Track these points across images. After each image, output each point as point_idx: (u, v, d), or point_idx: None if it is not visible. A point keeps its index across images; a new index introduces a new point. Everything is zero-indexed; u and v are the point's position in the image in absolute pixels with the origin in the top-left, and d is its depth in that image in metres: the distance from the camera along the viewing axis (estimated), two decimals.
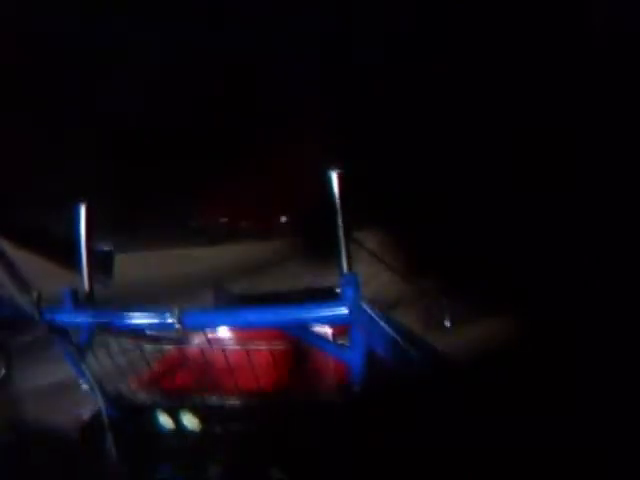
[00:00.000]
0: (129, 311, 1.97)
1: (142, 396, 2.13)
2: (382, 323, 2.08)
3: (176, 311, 1.89)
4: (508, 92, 2.22)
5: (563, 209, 2.28)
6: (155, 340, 2.18)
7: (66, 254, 2.18)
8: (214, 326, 2.13)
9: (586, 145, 2.26)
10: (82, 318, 2.04)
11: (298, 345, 1.98)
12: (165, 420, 2.06)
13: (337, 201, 1.95)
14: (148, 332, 2.15)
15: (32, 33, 2.16)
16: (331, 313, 1.89)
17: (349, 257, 1.93)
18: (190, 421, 2.03)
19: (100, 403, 2.00)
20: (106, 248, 2.32)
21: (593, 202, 2.25)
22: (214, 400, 2.05)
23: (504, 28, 2.09)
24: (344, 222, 1.94)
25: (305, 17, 2.21)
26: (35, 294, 1.86)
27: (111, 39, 2.23)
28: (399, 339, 2.10)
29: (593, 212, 2.23)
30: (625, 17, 2.02)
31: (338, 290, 1.92)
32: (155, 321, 1.97)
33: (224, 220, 2.62)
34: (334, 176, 1.96)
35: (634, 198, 2.18)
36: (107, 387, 2.06)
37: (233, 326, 2.06)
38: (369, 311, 2.04)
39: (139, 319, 1.98)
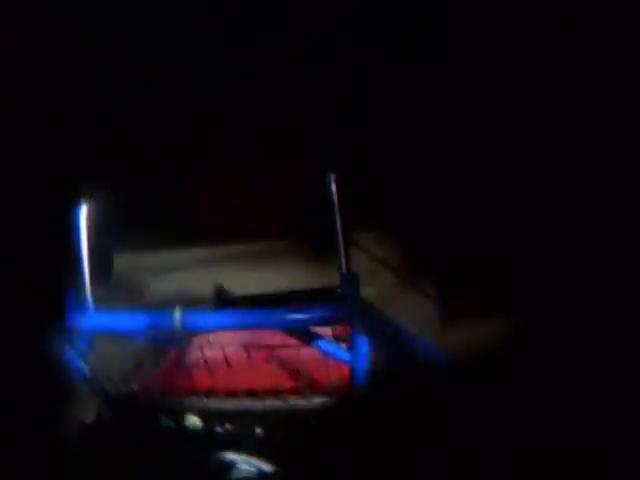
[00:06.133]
0: (130, 312, 1.98)
1: (143, 397, 2.13)
2: (382, 323, 2.08)
3: (177, 312, 1.89)
4: (508, 94, 2.22)
5: (563, 208, 2.28)
6: (156, 341, 2.18)
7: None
8: (215, 327, 2.13)
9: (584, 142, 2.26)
10: (83, 319, 2.04)
11: (298, 346, 1.98)
12: (166, 420, 2.06)
13: (336, 201, 1.95)
14: (149, 333, 2.15)
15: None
16: (331, 314, 1.89)
17: (348, 257, 1.93)
18: (191, 421, 2.03)
19: (101, 403, 2.00)
20: (105, 248, 2.31)
21: (593, 202, 2.25)
22: (215, 400, 2.05)
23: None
24: (343, 222, 1.94)
25: (305, 17, 2.21)
26: None
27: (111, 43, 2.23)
28: (399, 339, 2.10)
29: (593, 212, 2.23)
30: None
31: (338, 290, 1.93)
32: (156, 323, 1.98)
33: (224, 220, 2.62)
34: (333, 176, 1.96)
35: (634, 199, 2.18)
36: (108, 387, 2.06)
37: (233, 327, 2.06)
38: (369, 311, 2.04)
39: (140, 320, 1.98)
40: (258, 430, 1.96)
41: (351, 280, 1.89)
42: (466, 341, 2.26)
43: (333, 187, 1.94)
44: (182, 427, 2.03)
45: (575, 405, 1.95)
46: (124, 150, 2.39)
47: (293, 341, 2.00)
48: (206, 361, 2.08)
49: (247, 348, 2.02)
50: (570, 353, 2.08)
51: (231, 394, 2.04)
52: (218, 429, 2.02)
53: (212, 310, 2.34)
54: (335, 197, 1.94)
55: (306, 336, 1.96)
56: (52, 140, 2.38)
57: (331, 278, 2.00)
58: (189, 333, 2.21)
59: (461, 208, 2.39)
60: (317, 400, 1.96)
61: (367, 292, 2.01)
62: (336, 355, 2.01)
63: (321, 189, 1.95)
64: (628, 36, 2.15)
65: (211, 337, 2.18)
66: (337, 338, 2.12)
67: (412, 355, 2.09)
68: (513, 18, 2.19)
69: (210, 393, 2.06)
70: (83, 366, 2.02)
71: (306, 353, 1.99)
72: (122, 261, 2.55)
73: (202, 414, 2.03)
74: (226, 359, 2.04)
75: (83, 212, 2.13)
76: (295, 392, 2.00)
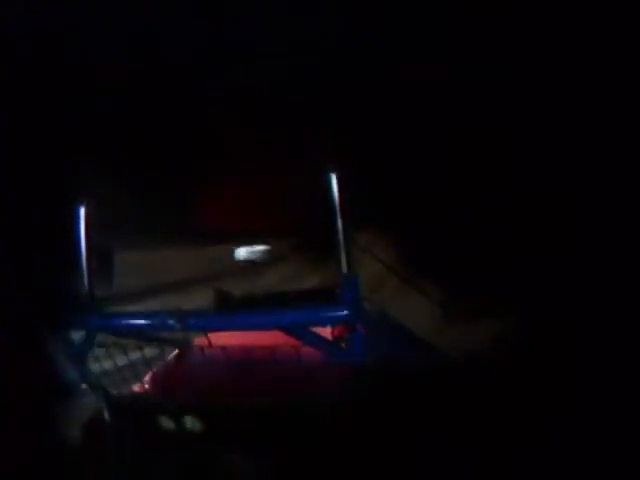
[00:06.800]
0: (130, 313, 1.98)
1: (143, 397, 2.13)
2: (382, 323, 2.08)
3: (177, 313, 1.89)
4: (503, 95, 2.22)
5: (563, 208, 2.29)
6: (156, 341, 2.18)
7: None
8: (214, 328, 2.13)
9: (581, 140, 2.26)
10: (83, 319, 2.04)
11: (298, 346, 1.98)
12: (166, 421, 2.06)
13: (336, 201, 1.96)
14: (149, 334, 2.15)
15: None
16: (331, 314, 1.90)
17: (349, 258, 1.93)
18: (191, 422, 2.03)
19: (101, 404, 2.00)
20: (106, 249, 2.31)
21: (592, 201, 2.25)
22: (215, 401, 2.05)
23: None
24: (343, 223, 1.94)
25: (305, 17, 2.21)
26: None
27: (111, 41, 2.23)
28: (399, 339, 2.10)
29: (593, 213, 2.23)
30: None
31: (338, 290, 1.93)
32: (156, 323, 1.98)
33: (224, 220, 2.62)
34: (333, 177, 1.96)
35: (635, 198, 2.18)
36: (108, 388, 2.06)
37: (233, 328, 2.06)
38: (369, 311, 2.04)
39: (140, 321, 1.99)
40: (258, 430, 1.96)
41: (351, 281, 1.89)
42: (467, 341, 2.26)
43: (333, 187, 1.94)
44: (182, 427, 2.03)
45: (575, 405, 1.95)
46: (124, 150, 2.39)
47: (293, 341, 2.00)
48: (206, 362, 2.08)
49: (247, 348, 2.02)
50: (569, 353, 2.09)
51: (231, 394, 2.04)
52: (218, 429, 2.02)
53: (212, 311, 2.34)
54: (336, 197, 1.94)
55: (306, 337, 1.96)
56: (52, 140, 2.38)
57: (331, 278, 2.00)
58: (189, 334, 2.21)
59: (461, 208, 2.39)
60: (317, 400, 1.96)
61: (373, 296, 2.02)
62: (336, 355, 2.01)
63: (321, 189, 1.95)
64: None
65: (211, 338, 2.18)
66: (337, 338, 2.12)
67: (412, 355, 2.09)
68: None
69: (210, 393, 2.06)
70: (83, 366, 2.02)
71: (306, 353, 1.99)
72: (122, 261, 2.55)
73: (202, 414, 2.03)
74: (226, 359, 2.04)
75: (83, 212, 2.14)
76: (295, 392, 2.00)
